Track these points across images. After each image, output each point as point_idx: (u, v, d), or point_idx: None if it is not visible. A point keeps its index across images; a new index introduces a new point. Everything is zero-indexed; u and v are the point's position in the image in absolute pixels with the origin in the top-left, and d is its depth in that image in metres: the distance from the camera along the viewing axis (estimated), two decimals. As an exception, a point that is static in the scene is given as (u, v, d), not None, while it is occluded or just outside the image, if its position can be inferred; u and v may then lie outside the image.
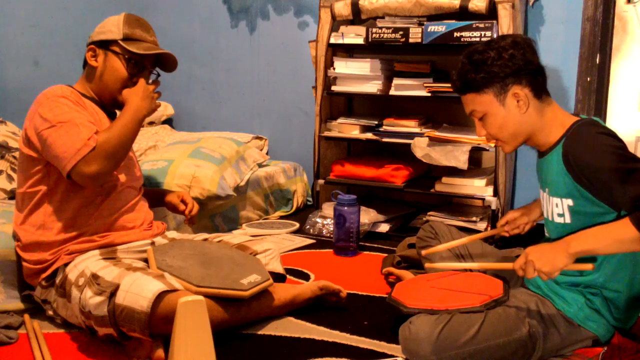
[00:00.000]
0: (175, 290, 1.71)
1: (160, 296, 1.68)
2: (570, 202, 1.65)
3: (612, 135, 1.60)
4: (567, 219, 1.67)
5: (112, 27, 2.01)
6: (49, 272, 1.91)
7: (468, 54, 1.72)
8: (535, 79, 1.69)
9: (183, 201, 2.24)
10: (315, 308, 2.09)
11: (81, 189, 1.90)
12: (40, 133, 1.86)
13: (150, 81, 2.08)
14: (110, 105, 2.06)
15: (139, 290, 1.68)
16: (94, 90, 2.04)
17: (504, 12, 2.69)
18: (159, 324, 1.68)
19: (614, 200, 1.57)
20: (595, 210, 1.61)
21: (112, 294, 1.71)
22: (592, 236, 1.57)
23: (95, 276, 1.77)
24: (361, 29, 3.02)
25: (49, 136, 1.84)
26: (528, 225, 1.99)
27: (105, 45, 2.00)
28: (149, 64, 2.05)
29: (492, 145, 2.78)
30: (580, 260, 1.59)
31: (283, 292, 2.03)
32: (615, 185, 1.52)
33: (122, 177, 2.03)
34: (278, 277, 2.14)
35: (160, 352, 1.68)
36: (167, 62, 2.10)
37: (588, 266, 1.61)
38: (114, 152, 1.85)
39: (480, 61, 1.68)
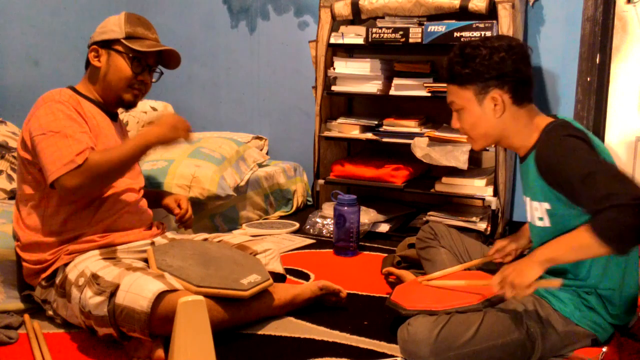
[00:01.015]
0: (175, 290, 1.71)
1: (160, 296, 1.68)
2: (547, 205, 1.65)
3: (579, 137, 1.58)
4: (547, 222, 1.67)
5: (114, 26, 2.00)
6: (48, 272, 1.91)
7: (461, 45, 1.72)
8: (518, 87, 1.68)
9: (179, 205, 2.22)
10: (315, 308, 2.08)
11: None
12: (32, 138, 1.87)
13: (154, 80, 2.09)
14: (115, 105, 2.06)
15: (139, 290, 1.68)
16: (98, 91, 2.03)
17: (504, 12, 2.69)
18: (159, 324, 1.68)
19: (580, 203, 1.54)
20: (572, 212, 1.60)
21: (112, 294, 1.71)
22: (555, 244, 1.56)
23: (95, 276, 1.77)
24: (361, 29, 3.02)
25: (39, 143, 1.84)
26: (518, 251, 1.97)
27: (107, 45, 2.00)
28: (152, 62, 2.05)
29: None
30: (555, 271, 1.58)
31: (283, 292, 2.03)
32: (578, 188, 1.50)
33: (123, 180, 2.03)
34: (278, 277, 2.13)
35: (160, 352, 1.68)
36: (170, 59, 2.10)
37: (555, 283, 1.60)
38: (102, 175, 1.83)
39: (470, 56, 1.67)
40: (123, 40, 1.98)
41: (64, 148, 1.81)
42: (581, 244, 1.50)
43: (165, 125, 1.90)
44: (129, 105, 2.06)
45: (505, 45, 1.66)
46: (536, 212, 1.69)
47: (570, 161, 1.54)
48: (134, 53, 1.98)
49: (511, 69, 1.65)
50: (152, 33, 2.07)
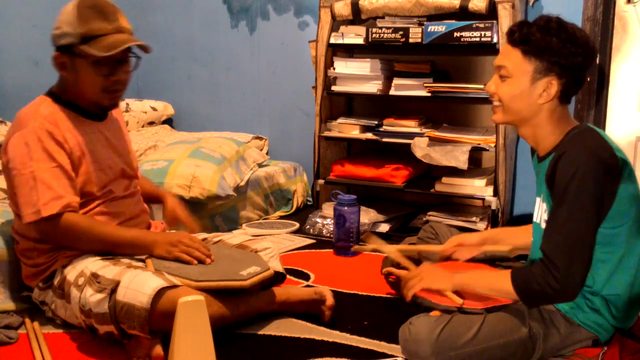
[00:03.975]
0: (175, 286, 1.71)
1: (160, 292, 1.67)
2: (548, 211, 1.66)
3: (600, 160, 1.55)
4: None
5: (67, 26, 1.80)
6: (46, 274, 1.90)
7: (550, 17, 1.64)
8: (572, 86, 1.65)
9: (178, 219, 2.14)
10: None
11: None
12: (7, 167, 1.83)
13: (131, 69, 1.90)
14: (94, 109, 1.93)
15: (139, 287, 1.68)
16: (73, 97, 1.90)
17: (504, 12, 2.69)
18: (159, 320, 1.67)
19: (546, 226, 1.61)
20: None
21: (113, 291, 1.71)
22: (475, 276, 1.74)
23: (95, 275, 1.77)
24: (361, 29, 3.02)
25: (13, 178, 1.82)
26: (474, 252, 2.03)
27: (68, 49, 1.82)
28: (120, 55, 1.82)
29: (492, 145, 2.78)
30: None
31: (282, 290, 2.03)
32: (552, 222, 1.58)
33: (118, 188, 2.00)
34: (278, 276, 2.13)
35: (158, 349, 1.67)
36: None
37: (457, 301, 1.72)
38: (76, 237, 1.82)
39: (554, 31, 1.61)
40: (80, 46, 1.78)
41: (32, 194, 1.77)
42: (499, 288, 1.64)
43: (166, 244, 1.87)
44: (111, 108, 1.96)
45: (584, 40, 1.62)
46: (545, 214, 1.68)
47: (569, 197, 1.54)
48: (95, 58, 1.78)
49: (577, 66, 1.62)
50: (112, 21, 1.80)
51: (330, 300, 1.99)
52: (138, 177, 2.17)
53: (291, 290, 2.07)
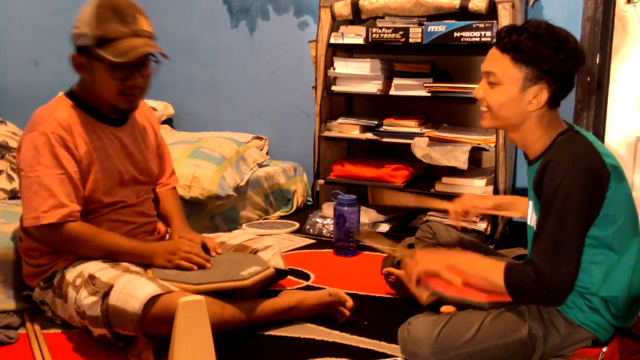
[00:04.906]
0: (170, 292, 1.70)
1: (154, 298, 1.66)
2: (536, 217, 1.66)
3: (586, 168, 1.55)
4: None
5: (85, 27, 1.76)
6: (48, 273, 1.90)
7: (539, 23, 1.60)
8: (561, 92, 1.64)
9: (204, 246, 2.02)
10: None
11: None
12: (18, 166, 1.83)
13: (149, 72, 1.85)
14: (112, 113, 1.91)
15: (132, 292, 1.67)
16: (91, 99, 1.88)
17: (504, 12, 2.69)
18: (152, 325, 1.66)
19: (535, 233, 1.61)
20: None
21: (106, 295, 1.69)
22: (470, 261, 1.71)
23: (92, 277, 1.76)
24: (361, 29, 3.02)
25: (20, 178, 1.82)
26: (476, 210, 2.06)
27: (85, 51, 1.79)
28: (137, 59, 1.78)
29: (492, 145, 2.78)
30: None
31: (289, 296, 2.01)
32: (541, 229, 1.58)
33: (130, 196, 1.99)
34: (280, 274, 2.10)
35: (148, 354, 1.67)
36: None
37: (456, 280, 1.70)
38: (77, 246, 1.81)
39: (544, 39, 1.57)
40: (95, 49, 1.75)
41: (35, 199, 1.76)
42: (490, 280, 1.62)
43: (167, 254, 1.87)
44: (128, 111, 1.93)
45: (572, 46, 1.59)
46: (534, 216, 1.69)
47: (559, 208, 1.55)
48: (109, 62, 1.75)
49: (567, 73, 1.60)
50: (129, 23, 1.76)
51: (350, 301, 1.99)
52: (157, 183, 2.15)
53: (300, 295, 2.01)
